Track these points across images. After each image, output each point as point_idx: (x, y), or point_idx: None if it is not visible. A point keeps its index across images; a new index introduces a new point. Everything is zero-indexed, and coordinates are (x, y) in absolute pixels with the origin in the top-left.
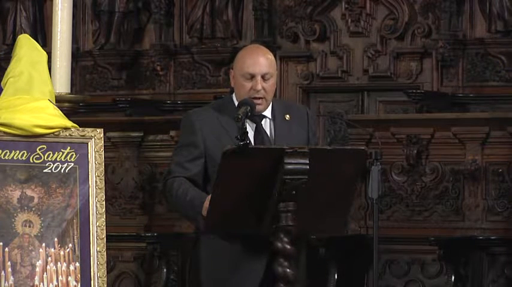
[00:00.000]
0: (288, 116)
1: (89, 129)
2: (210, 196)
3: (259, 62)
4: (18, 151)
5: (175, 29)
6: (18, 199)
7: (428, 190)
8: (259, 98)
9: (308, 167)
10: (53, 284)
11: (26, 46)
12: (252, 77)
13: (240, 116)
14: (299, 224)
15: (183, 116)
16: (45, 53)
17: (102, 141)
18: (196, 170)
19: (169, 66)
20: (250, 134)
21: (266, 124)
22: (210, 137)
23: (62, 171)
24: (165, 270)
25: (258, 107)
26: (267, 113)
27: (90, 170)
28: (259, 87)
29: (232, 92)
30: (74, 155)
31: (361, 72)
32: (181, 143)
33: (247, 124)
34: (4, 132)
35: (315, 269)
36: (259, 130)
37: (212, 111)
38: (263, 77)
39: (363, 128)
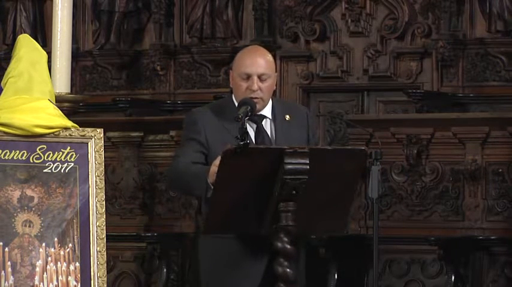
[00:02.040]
0: (288, 116)
1: (89, 129)
2: (216, 161)
3: (256, 63)
4: (18, 151)
5: (175, 29)
6: (18, 199)
7: (428, 190)
8: (255, 98)
9: (308, 167)
10: (53, 284)
11: (26, 46)
12: (249, 77)
13: (240, 116)
14: (299, 224)
15: (186, 114)
16: (45, 53)
17: (102, 141)
18: (199, 160)
19: (169, 66)
20: (251, 135)
21: (267, 124)
22: (212, 136)
23: (62, 171)
24: (165, 270)
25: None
26: (268, 113)
27: (90, 170)
28: (255, 87)
29: (232, 92)
30: (74, 155)
31: (361, 72)
32: (184, 137)
33: (247, 124)
34: (4, 132)
35: (315, 269)
36: (259, 130)
37: (213, 111)
38: (260, 77)
39: (363, 128)
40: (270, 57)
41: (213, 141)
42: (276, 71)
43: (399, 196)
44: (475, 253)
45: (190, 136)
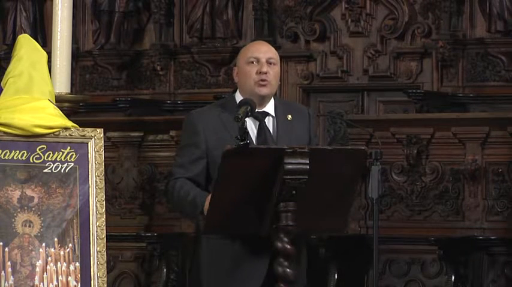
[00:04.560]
0: (290, 116)
1: (89, 129)
2: (210, 195)
3: (263, 48)
4: (18, 151)
5: (175, 29)
6: (18, 199)
7: (428, 190)
8: (264, 81)
9: (308, 167)
10: (53, 284)
11: (26, 46)
12: (258, 61)
13: (240, 116)
14: (299, 224)
15: (186, 116)
16: (45, 53)
17: (102, 141)
18: (198, 171)
19: (169, 66)
20: (253, 132)
21: (269, 122)
22: (212, 137)
23: (62, 171)
24: (165, 270)
25: (263, 90)
26: (270, 111)
27: (90, 170)
28: (265, 69)
29: (234, 91)
30: (74, 155)
31: (361, 72)
32: (183, 143)
33: (250, 122)
34: (4, 132)
35: (315, 269)
36: (262, 128)
37: (214, 110)
38: (268, 61)
39: (363, 128)
40: (273, 48)
41: (213, 141)
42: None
43: (399, 196)
44: (475, 253)
45: (188, 141)
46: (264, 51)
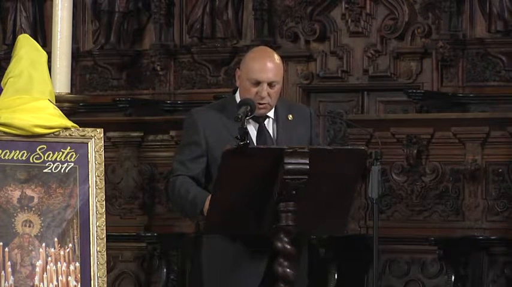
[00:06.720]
0: (290, 116)
1: (89, 129)
2: (210, 196)
3: (267, 69)
4: (18, 151)
5: (175, 29)
6: (18, 199)
7: (428, 190)
8: (263, 104)
9: (308, 167)
10: (53, 284)
11: (26, 46)
12: (258, 83)
13: (240, 116)
14: (299, 224)
15: (186, 115)
16: (45, 53)
17: (102, 141)
18: (198, 169)
19: (169, 66)
20: (253, 134)
21: (269, 124)
22: (212, 136)
23: (62, 171)
24: (165, 270)
25: (262, 111)
26: (270, 113)
27: (90, 170)
28: (264, 94)
29: (235, 91)
30: (74, 155)
31: (361, 72)
32: (183, 141)
33: (249, 124)
34: (4, 132)
35: (315, 269)
36: (261, 130)
37: (215, 110)
38: (269, 84)
39: (363, 128)
40: (279, 61)
41: (213, 141)
42: (283, 74)
43: (399, 196)
44: (475, 253)
45: (188, 140)
46: (266, 73)
